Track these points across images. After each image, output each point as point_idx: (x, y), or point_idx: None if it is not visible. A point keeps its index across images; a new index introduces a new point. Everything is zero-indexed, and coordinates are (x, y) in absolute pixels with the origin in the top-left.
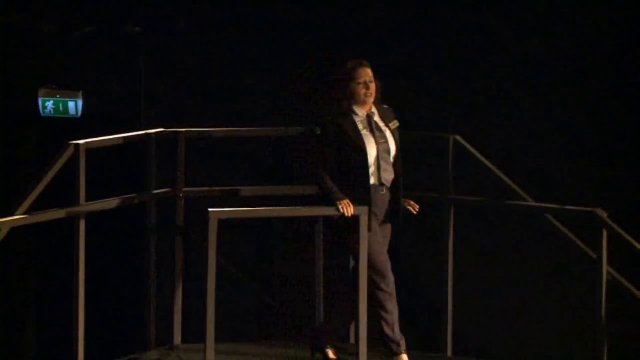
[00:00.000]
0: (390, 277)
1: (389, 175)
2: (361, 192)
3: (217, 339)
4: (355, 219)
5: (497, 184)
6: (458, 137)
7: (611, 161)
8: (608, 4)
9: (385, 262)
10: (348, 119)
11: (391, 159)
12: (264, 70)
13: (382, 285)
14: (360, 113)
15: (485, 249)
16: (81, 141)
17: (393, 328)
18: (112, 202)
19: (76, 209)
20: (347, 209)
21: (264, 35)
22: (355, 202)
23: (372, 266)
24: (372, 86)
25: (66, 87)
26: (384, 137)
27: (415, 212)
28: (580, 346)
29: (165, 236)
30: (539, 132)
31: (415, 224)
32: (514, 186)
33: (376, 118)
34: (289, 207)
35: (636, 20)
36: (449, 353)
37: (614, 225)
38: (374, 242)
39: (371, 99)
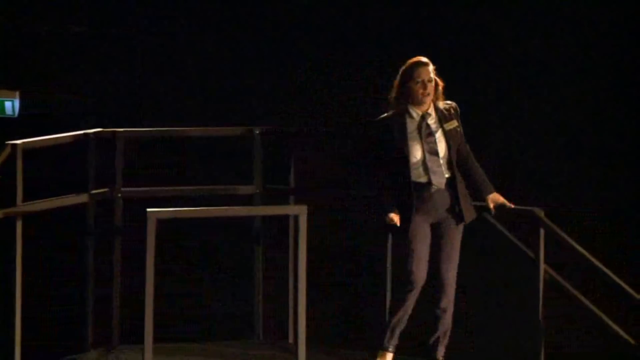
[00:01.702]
0: (419, 282)
1: (440, 177)
2: (404, 193)
3: (164, 340)
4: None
5: None
6: None
7: (611, 161)
8: (608, 4)
9: (418, 263)
10: (400, 120)
11: (441, 160)
12: (263, 70)
13: (408, 285)
14: (415, 114)
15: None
16: (19, 141)
17: (396, 328)
18: (50, 203)
19: (13, 209)
20: (393, 221)
21: (264, 35)
22: (402, 202)
23: (404, 264)
24: (430, 86)
25: (3, 87)
26: (433, 138)
27: (493, 213)
28: (520, 345)
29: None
30: (539, 132)
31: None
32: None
33: (430, 120)
34: (230, 207)
35: (636, 20)
36: None
37: (552, 225)
38: (415, 239)
39: (428, 99)
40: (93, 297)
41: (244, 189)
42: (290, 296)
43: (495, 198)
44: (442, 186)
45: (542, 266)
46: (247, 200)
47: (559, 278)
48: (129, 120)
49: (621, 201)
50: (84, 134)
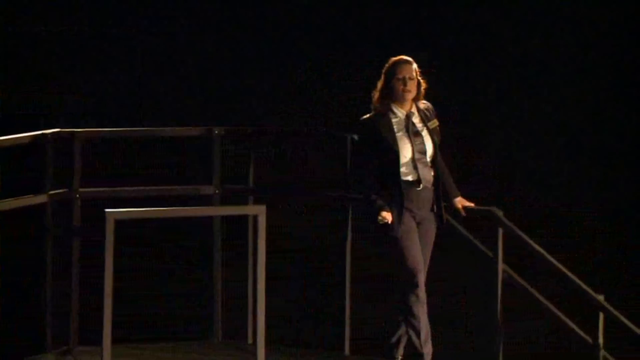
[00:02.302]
0: (421, 280)
1: (427, 175)
2: (394, 192)
3: (122, 341)
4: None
5: None
6: (356, 137)
7: (611, 161)
8: (608, 4)
9: (415, 263)
10: (385, 119)
11: (428, 159)
12: (263, 70)
13: (410, 287)
14: (400, 113)
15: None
16: None
17: (420, 335)
18: (7, 203)
19: None
20: (385, 219)
21: (264, 35)
22: (390, 201)
23: (401, 265)
24: (412, 84)
25: None
26: (421, 137)
27: (463, 215)
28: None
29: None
30: (539, 132)
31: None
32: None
33: (415, 119)
34: (189, 207)
35: (636, 20)
36: (347, 352)
37: (510, 224)
38: (406, 239)
39: (409, 96)
40: (51, 298)
41: (203, 189)
42: (250, 297)
43: (462, 201)
44: (430, 185)
45: (501, 265)
46: (207, 201)
47: (517, 277)
48: (129, 120)
49: (621, 201)
50: (42, 134)
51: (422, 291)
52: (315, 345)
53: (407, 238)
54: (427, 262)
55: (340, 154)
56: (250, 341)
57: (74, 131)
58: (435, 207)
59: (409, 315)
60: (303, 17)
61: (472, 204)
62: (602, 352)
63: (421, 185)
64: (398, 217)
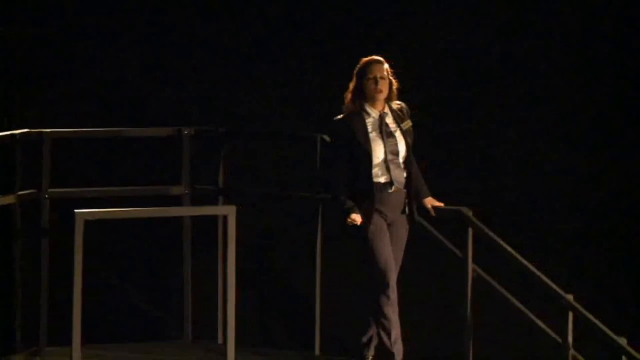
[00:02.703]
0: (392, 280)
1: (400, 176)
2: (366, 193)
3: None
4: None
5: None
6: (325, 137)
7: (612, 161)
8: (608, 4)
9: (386, 264)
10: (359, 119)
11: (401, 160)
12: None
13: (380, 288)
14: (373, 113)
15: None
16: None
17: (390, 336)
18: None
19: None
20: (355, 221)
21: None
22: (362, 202)
23: (372, 265)
24: (383, 83)
25: None
26: (394, 138)
27: (433, 214)
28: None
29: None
30: (540, 133)
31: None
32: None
33: (388, 119)
34: (158, 208)
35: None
36: (317, 352)
37: (480, 224)
38: (378, 240)
39: (381, 96)
40: (21, 299)
41: (173, 190)
42: (220, 296)
43: (432, 201)
44: (402, 186)
45: (470, 265)
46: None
47: (487, 277)
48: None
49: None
50: (11, 134)
51: (392, 291)
52: (285, 345)
53: (377, 239)
54: (399, 263)
55: (310, 154)
56: (220, 341)
57: (42, 131)
58: (407, 208)
59: (379, 316)
60: (303, 16)
61: (441, 204)
62: (571, 352)
63: (393, 187)
64: (369, 218)
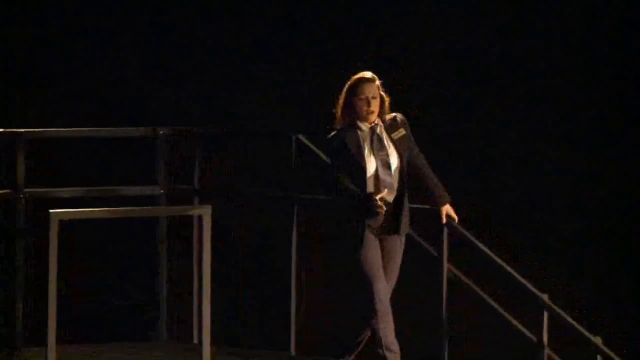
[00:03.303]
0: (379, 286)
1: (390, 190)
2: (358, 205)
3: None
4: (357, 225)
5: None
6: (301, 137)
7: (612, 161)
8: (608, 4)
9: (373, 269)
10: (351, 132)
11: (392, 172)
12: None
13: (368, 294)
14: (364, 127)
15: (330, 247)
16: None
17: (381, 342)
18: None
19: None
20: (385, 199)
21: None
22: (354, 214)
23: (360, 272)
24: (375, 103)
25: None
26: (384, 149)
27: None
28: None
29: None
30: (540, 133)
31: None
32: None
33: (379, 131)
34: (134, 208)
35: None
36: (292, 352)
37: (454, 223)
38: (365, 248)
39: (373, 117)
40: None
41: (148, 190)
42: (195, 296)
43: (448, 210)
44: (391, 200)
45: (446, 265)
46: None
47: (462, 277)
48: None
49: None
50: None
51: (381, 298)
52: (261, 345)
53: (367, 252)
54: (395, 277)
55: (286, 154)
56: (195, 341)
57: (16, 131)
58: (398, 219)
59: (369, 321)
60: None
61: (455, 217)
62: (547, 351)
63: (385, 199)
64: (359, 229)
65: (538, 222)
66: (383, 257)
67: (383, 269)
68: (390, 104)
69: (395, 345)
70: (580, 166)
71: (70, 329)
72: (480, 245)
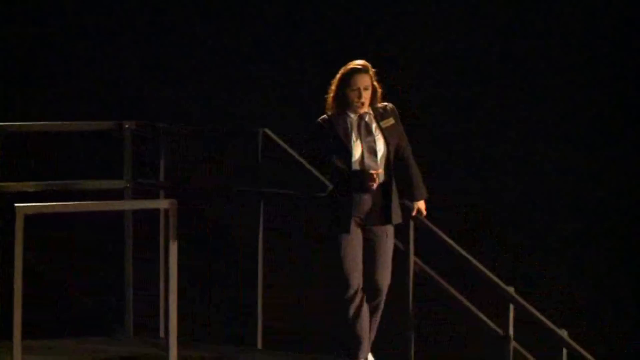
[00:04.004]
0: (355, 284)
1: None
2: (344, 193)
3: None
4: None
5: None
6: (267, 130)
7: (612, 161)
8: (608, 4)
9: (350, 266)
10: (340, 119)
11: (378, 160)
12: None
13: (344, 291)
14: (353, 115)
15: (295, 241)
16: None
17: (357, 340)
18: None
19: None
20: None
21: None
22: (339, 201)
23: (340, 267)
24: (367, 94)
25: None
26: (372, 136)
27: (413, 214)
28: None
29: None
30: (540, 132)
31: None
32: (322, 179)
33: (368, 118)
34: (100, 202)
35: (636, 20)
36: (259, 346)
37: (422, 217)
38: (347, 244)
39: (363, 108)
40: None
41: (114, 184)
42: (161, 291)
43: (422, 206)
44: (375, 188)
45: (412, 258)
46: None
47: (429, 270)
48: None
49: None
50: None
51: (360, 295)
52: (227, 339)
53: (347, 242)
54: (383, 263)
55: (252, 149)
56: (162, 335)
57: None
58: (386, 208)
59: (345, 319)
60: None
61: (424, 214)
62: (512, 344)
63: (369, 187)
64: (342, 220)
65: (538, 222)
66: (367, 249)
67: (369, 262)
68: (383, 94)
69: (363, 353)
70: (580, 166)
71: (35, 324)
72: (447, 238)
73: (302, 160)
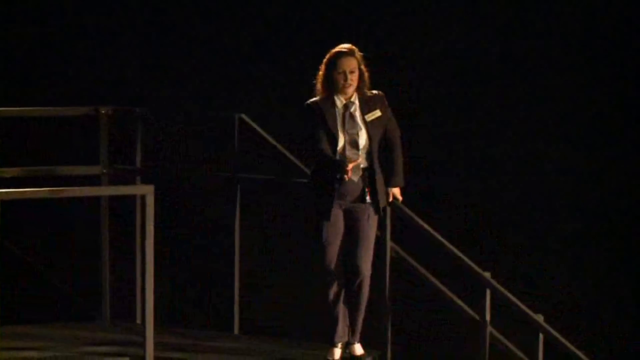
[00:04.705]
0: (335, 271)
1: (356, 169)
2: (328, 180)
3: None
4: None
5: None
6: (244, 116)
7: (612, 161)
8: (608, 4)
9: (329, 256)
10: (328, 104)
11: (360, 150)
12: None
13: (323, 278)
14: (339, 102)
15: (271, 226)
16: None
17: (333, 328)
18: None
19: None
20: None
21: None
22: (321, 188)
23: (321, 255)
24: (353, 77)
25: None
26: (355, 128)
27: (390, 200)
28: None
29: None
30: (540, 132)
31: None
32: (298, 164)
33: (353, 109)
34: (75, 187)
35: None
36: (236, 331)
37: (398, 203)
38: (329, 233)
39: (350, 90)
40: None
41: (90, 170)
42: (138, 277)
43: (397, 192)
44: (357, 177)
45: (389, 244)
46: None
47: (406, 256)
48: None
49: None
50: None
51: (341, 282)
52: (204, 325)
53: (329, 230)
54: (365, 249)
55: (228, 134)
56: (139, 321)
57: None
58: (369, 198)
59: (326, 302)
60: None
61: (400, 198)
62: (489, 329)
63: (350, 178)
64: (324, 207)
65: (538, 222)
66: (349, 232)
67: (350, 244)
68: (370, 77)
69: (339, 337)
70: (580, 166)
71: (12, 310)
72: (423, 223)
73: (277, 145)
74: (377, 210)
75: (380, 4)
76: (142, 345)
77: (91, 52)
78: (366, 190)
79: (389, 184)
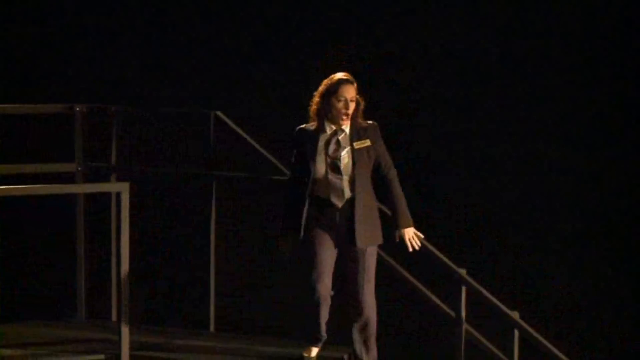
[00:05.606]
0: (323, 282)
1: (339, 195)
2: (304, 204)
3: None
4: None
5: (257, 159)
6: (219, 113)
7: (612, 161)
8: (608, 4)
9: (318, 272)
10: (314, 130)
11: (344, 178)
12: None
13: (309, 296)
14: (328, 128)
15: (247, 224)
16: None
17: (315, 331)
18: None
19: None
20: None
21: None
22: (300, 212)
23: (309, 266)
24: (352, 106)
25: None
26: (338, 151)
27: (409, 250)
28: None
29: None
30: (540, 132)
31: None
32: (274, 161)
33: (341, 136)
34: (50, 185)
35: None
36: (212, 329)
37: (381, 206)
38: (314, 246)
39: (347, 119)
40: None
41: (64, 167)
42: (113, 274)
43: (408, 232)
44: (340, 206)
45: None
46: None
47: (382, 253)
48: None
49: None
50: None
51: (326, 298)
52: (180, 323)
53: (316, 246)
54: (362, 279)
55: (204, 132)
56: (114, 319)
57: None
58: (349, 231)
59: (309, 303)
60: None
61: (421, 236)
62: (465, 326)
63: (333, 205)
64: (309, 229)
65: (538, 222)
66: (345, 262)
67: (349, 278)
68: (364, 109)
69: (320, 334)
70: (580, 166)
71: None
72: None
73: (255, 143)
74: (354, 243)
75: (380, 4)
76: (118, 343)
77: (91, 52)
78: (346, 229)
79: (397, 225)
